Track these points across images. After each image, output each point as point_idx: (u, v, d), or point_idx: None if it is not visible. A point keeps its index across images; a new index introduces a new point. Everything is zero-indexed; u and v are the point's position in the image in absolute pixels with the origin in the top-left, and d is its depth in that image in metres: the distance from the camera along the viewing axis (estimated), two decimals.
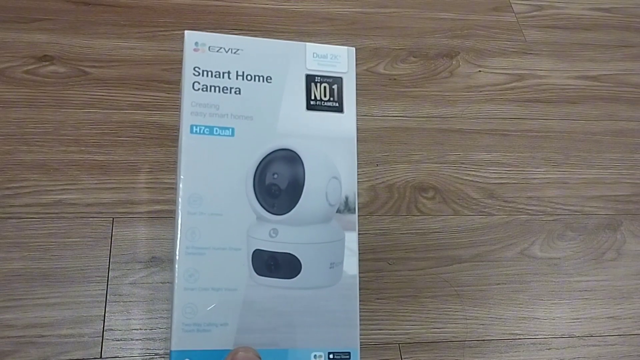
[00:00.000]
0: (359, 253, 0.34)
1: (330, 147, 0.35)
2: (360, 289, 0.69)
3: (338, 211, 0.35)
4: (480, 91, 0.88)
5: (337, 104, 0.36)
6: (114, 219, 0.66)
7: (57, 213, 0.66)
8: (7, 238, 0.63)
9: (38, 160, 0.69)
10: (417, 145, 0.80)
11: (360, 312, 0.67)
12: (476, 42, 0.94)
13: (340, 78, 0.37)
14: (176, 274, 0.32)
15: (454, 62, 0.90)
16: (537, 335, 0.67)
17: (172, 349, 0.30)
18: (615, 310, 0.70)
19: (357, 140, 0.35)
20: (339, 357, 0.33)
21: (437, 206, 0.74)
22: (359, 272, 0.68)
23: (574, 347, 0.66)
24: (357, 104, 0.37)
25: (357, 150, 0.35)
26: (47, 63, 0.78)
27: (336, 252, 0.34)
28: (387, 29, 0.93)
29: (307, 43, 0.37)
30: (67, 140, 0.72)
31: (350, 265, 0.34)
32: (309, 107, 0.36)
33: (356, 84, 0.37)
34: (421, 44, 0.92)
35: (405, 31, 0.93)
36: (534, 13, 1.00)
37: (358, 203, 0.35)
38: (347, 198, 0.35)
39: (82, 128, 0.73)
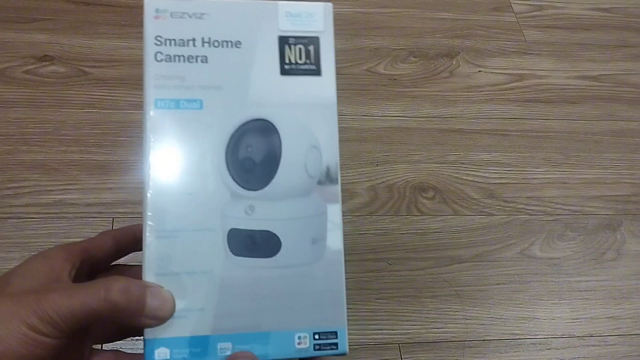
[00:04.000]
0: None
1: (309, 114, 0.33)
2: (360, 289, 0.69)
3: (319, 183, 0.32)
4: (480, 91, 0.88)
5: (314, 67, 0.33)
6: (114, 219, 0.66)
7: (57, 213, 0.66)
8: (7, 238, 0.63)
9: (38, 160, 0.69)
10: (417, 145, 0.80)
11: (360, 312, 0.67)
12: (476, 42, 0.94)
13: (317, 37, 0.34)
14: (146, 260, 0.30)
15: (454, 62, 0.90)
16: (537, 335, 0.66)
17: (146, 337, 0.29)
18: (615, 310, 0.70)
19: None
20: (324, 337, 0.31)
21: (437, 206, 0.74)
22: (360, 272, 0.68)
23: (574, 347, 0.66)
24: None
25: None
26: (47, 63, 0.78)
27: (318, 227, 0.32)
28: (387, 29, 0.93)
29: (279, 1, 0.34)
30: (67, 140, 0.72)
31: (334, 239, 0.32)
32: (283, 72, 0.33)
33: (335, 46, 0.34)
34: (421, 44, 0.92)
35: (405, 31, 0.93)
36: (534, 13, 1.00)
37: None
38: (328, 168, 0.32)
39: (82, 128, 0.73)
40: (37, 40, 0.80)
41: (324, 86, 0.33)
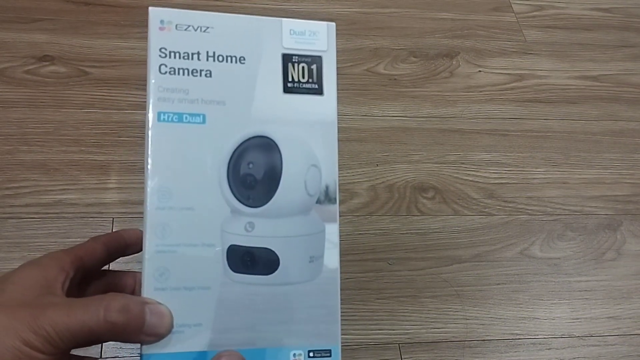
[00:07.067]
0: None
1: (309, 133, 0.33)
2: (360, 289, 0.69)
3: (318, 201, 0.32)
4: (480, 91, 0.88)
5: (316, 86, 0.33)
6: (114, 219, 0.66)
7: (57, 213, 0.66)
8: (7, 238, 0.63)
9: (38, 160, 0.69)
10: (417, 145, 0.80)
11: (360, 312, 0.67)
12: (476, 42, 0.94)
13: (320, 57, 0.34)
14: (145, 274, 0.29)
15: (454, 62, 0.90)
16: (537, 335, 0.67)
17: (143, 352, 0.29)
18: (615, 310, 0.70)
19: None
20: (319, 354, 0.31)
21: (437, 206, 0.74)
22: (360, 272, 0.68)
23: (574, 347, 0.66)
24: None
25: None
26: (47, 63, 0.78)
27: (316, 245, 0.32)
28: (387, 29, 0.93)
29: (283, 19, 0.34)
30: (67, 140, 0.72)
31: (331, 258, 0.32)
32: (286, 90, 0.33)
33: (337, 65, 0.34)
34: (421, 44, 0.92)
35: (405, 31, 0.93)
36: (534, 13, 1.00)
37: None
38: (327, 187, 0.32)
39: (82, 128, 0.73)
40: (37, 40, 0.80)
41: (325, 106, 0.33)
